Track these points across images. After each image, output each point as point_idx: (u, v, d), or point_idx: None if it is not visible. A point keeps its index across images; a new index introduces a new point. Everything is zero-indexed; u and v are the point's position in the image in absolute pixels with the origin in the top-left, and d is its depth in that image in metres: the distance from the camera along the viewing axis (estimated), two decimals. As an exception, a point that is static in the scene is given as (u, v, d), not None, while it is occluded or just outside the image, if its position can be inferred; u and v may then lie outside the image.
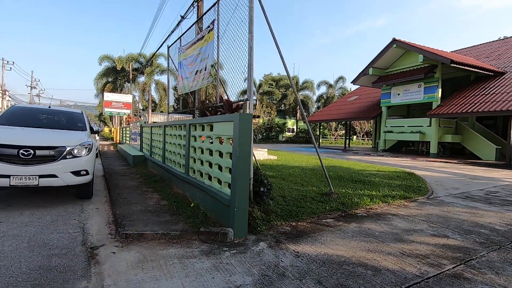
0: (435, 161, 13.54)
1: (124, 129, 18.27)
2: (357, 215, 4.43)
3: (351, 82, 19.81)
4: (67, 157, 4.49)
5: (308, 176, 7.43)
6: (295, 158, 12.95)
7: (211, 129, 4.43)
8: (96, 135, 10.04)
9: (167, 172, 6.51)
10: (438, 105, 15.10)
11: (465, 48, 21.94)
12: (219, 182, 4.05)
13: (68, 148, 4.51)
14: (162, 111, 33.52)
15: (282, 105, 38.23)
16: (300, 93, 36.64)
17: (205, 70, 5.67)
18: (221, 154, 4.10)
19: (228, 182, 3.69)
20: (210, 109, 5.35)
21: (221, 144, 4.15)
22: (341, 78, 37.56)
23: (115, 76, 26.68)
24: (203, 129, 4.80)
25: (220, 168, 4.06)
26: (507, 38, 20.29)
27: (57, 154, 4.41)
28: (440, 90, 15.25)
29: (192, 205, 4.25)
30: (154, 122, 28.35)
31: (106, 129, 38.67)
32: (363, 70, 18.46)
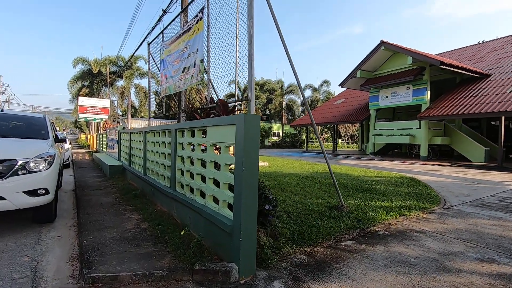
0: (428, 164, 13.31)
1: (101, 136, 16.94)
2: (378, 234, 3.76)
3: (339, 85, 19.53)
4: (19, 173, 3.54)
5: (308, 185, 6.74)
6: (288, 164, 12.28)
7: (204, 135, 3.64)
8: (66, 143, 8.98)
9: (149, 186, 5.61)
10: (427, 107, 14.99)
11: (447, 51, 22.34)
12: (216, 200, 3.26)
13: (20, 162, 3.57)
14: (142, 117, 32.03)
15: (267, 109, 37.75)
16: (285, 97, 36.29)
17: (194, 67, 4.88)
18: (217, 166, 3.33)
19: (228, 202, 2.92)
20: (199, 111, 4.55)
21: (217, 153, 3.38)
22: (325, 82, 37.62)
23: (91, 79, 25.08)
24: (193, 135, 3.99)
25: (216, 183, 3.27)
26: (486, 42, 20.81)
27: (4, 169, 3.45)
28: (429, 92, 15.18)
29: (182, 233, 3.42)
30: (133, 128, 26.88)
31: (83, 136, 36.56)
32: (351, 72, 18.22)
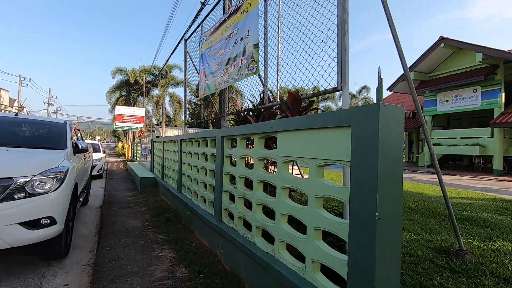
0: (508, 180, 10.97)
1: (135, 144, 16.65)
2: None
3: (387, 89, 17.60)
4: (16, 196, 2.56)
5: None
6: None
7: (273, 145, 2.43)
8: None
9: (184, 207, 4.52)
10: (501, 112, 12.63)
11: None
12: (289, 247, 1.99)
13: (19, 181, 2.59)
14: (176, 125, 32.12)
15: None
16: (321, 104, 34.46)
17: (243, 55, 3.76)
18: (290, 193, 2.08)
19: (323, 263, 1.64)
20: (253, 113, 3.38)
21: (296, 175, 2.14)
22: (364, 87, 35.20)
23: (128, 89, 25.57)
24: (248, 145, 2.79)
25: (291, 221, 2.02)
26: None
27: (-6, 192, 2.49)
28: (503, 94, 12.81)
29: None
30: (167, 136, 26.74)
31: (120, 145, 37.66)
32: (402, 74, 16.25)
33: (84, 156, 4.76)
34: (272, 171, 3.52)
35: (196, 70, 6.29)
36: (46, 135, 4.05)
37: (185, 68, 6.42)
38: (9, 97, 41.27)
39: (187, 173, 4.64)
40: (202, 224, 3.67)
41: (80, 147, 3.99)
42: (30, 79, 35.36)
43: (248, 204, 2.93)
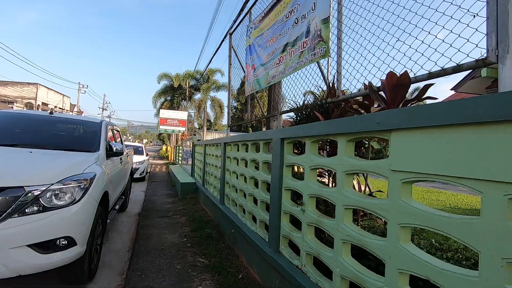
0: None
1: (178, 147, 16.74)
2: None
3: (452, 89, 15.40)
4: (28, 210, 2.04)
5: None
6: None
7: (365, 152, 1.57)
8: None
9: (228, 222, 3.82)
10: None
11: None
12: None
13: (32, 191, 2.08)
14: (216, 129, 32.40)
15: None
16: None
17: (306, 37, 2.95)
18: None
19: None
20: (318, 108, 2.55)
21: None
22: (417, 90, 32.08)
23: (172, 93, 26.35)
24: (321, 150, 1.97)
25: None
26: None
27: (1, 205, 1.98)
28: None
29: None
30: (208, 139, 26.76)
31: (164, 147, 39.20)
32: (471, 72, 14.07)
33: (121, 159, 4.32)
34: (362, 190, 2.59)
35: (242, 65, 5.65)
36: (79, 135, 3.66)
37: (229, 64, 5.83)
38: (70, 103, 45.64)
39: (232, 182, 3.94)
40: (251, 249, 2.90)
41: (114, 149, 3.50)
42: (87, 86, 38.59)
43: (321, 237, 2.10)
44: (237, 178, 3.73)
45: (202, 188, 6.26)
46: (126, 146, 11.83)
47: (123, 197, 5.08)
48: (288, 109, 3.80)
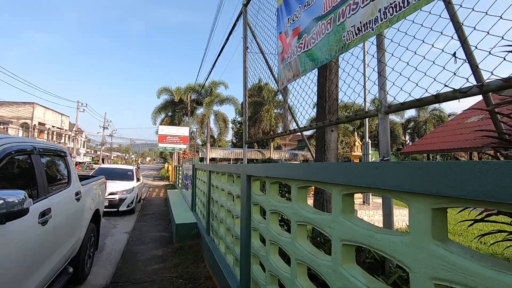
0: None
1: (178, 168, 14.70)
2: None
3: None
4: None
5: None
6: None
7: None
8: (134, 181, 6.39)
9: None
10: None
11: None
12: None
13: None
14: (220, 146, 30.41)
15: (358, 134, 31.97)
16: (376, 122, 30.11)
17: None
18: None
19: None
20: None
21: None
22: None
23: (173, 109, 24.60)
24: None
25: None
26: None
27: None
28: None
29: None
30: (213, 161, 24.51)
31: (166, 166, 37.20)
32: (518, 71, 12.04)
33: (77, 195, 2.28)
34: None
35: (261, 50, 3.68)
36: None
37: (245, 48, 3.86)
38: (69, 122, 44.26)
39: (272, 266, 1.84)
40: None
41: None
42: (86, 104, 37.16)
43: None
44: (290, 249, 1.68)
45: (206, 236, 4.15)
46: (108, 169, 9.78)
47: (77, 260, 3.02)
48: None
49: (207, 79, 17.04)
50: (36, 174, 2.19)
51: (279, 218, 2.35)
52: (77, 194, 2.90)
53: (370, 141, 7.28)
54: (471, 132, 16.77)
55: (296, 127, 3.06)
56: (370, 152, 7.03)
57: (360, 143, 9.35)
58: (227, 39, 7.07)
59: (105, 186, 4.67)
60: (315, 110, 3.37)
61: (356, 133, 13.65)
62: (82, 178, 4.10)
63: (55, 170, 2.76)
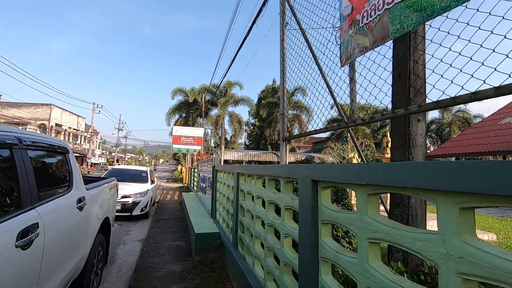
0: None
1: (192, 170, 14.17)
2: None
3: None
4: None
5: None
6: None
7: None
8: (148, 183, 5.92)
9: None
10: None
11: None
12: None
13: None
14: (233, 148, 29.83)
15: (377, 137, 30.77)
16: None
17: None
18: None
19: None
20: None
21: None
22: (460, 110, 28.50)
23: (187, 110, 24.23)
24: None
25: None
26: None
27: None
28: None
29: None
30: (226, 163, 23.94)
31: (179, 168, 36.98)
32: None
33: (79, 204, 1.66)
34: None
35: (300, 26, 2.99)
36: None
37: (283, 23, 3.16)
38: (85, 123, 44.87)
39: None
40: None
41: None
42: (102, 106, 37.55)
43: None
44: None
45: (234, 250, 3.48)
46: (121, 170, 9.29)
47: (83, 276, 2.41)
48: None
49: (223, 78, 16.53)
50: (19, 176, 1.59)
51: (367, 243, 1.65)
52: (80, 201, 2.29)
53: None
54: (506, 135, 15.51)
55: (356, 118, 2.35)
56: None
57: (393, 144, 8.48)
58: (250, 28, 6.44)
59: (117, 189, 4.09)
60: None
61: (388, 133, 12.71)
62: (89, 180, 3.52)
63: (51, 171, 2.17)
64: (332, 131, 28.22)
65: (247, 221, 3.07)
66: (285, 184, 2.04)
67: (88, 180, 3.44)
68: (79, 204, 2.28)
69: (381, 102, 2.49)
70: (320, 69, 3.19)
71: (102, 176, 5.46)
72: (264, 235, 2.47)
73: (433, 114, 31.76)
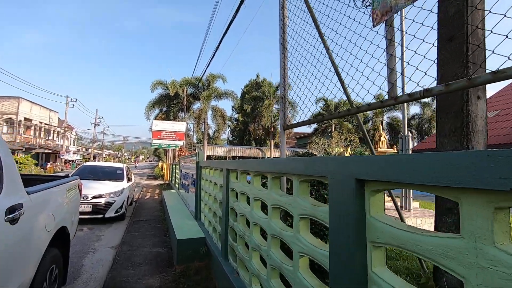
0: None
1: (173, 166, 13.39)
2: None
3: (518, 85, 12.35)
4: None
5: None
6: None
7: None
8: (124, 181, 5.32)
9: None
10: None
11: None
12: None
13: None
14: (216, 143, 29.05)
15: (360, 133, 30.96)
16: (387, 115, 29.17)
17: None
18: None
19: None
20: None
21: None
22: (437, 94, 29.03)
23: (168, 104, 23.11)
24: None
25: None
26: None
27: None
28: None
29: None
30: (208, 158, 23.12)
31: (160, 165, 35.69)
32: None
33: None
34: None
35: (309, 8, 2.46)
36: None
37: (282, 7, 2.56)
38: (58, 118, 42.24)
39: None
40: None
41: None
42: (76, 99, 35.42)
43: None
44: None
45: (223, 260, 2.93)
46: (94, 167, 8.38)
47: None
48: None
49: (206, 68, 15.73)
50: None
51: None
52: (11, 211, 1.64)
53: (410, 135, 6.09)
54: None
55: (398, 95, 1.85)
56: (410, 147, 5.80)
57: (386, 138, 8.20)
58: (238, 9, 5.82)
59: (80, 190, 3.39)
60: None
61: (381, 126, 12.54)
62: (40, 180, 2.82)
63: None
64: (317, 124, 28.04)
65: (241, 228, 2.52)
66: (300, 184, 1.50)
67: (38, 180, 2.75)
68: (11, 215, 1.63)
69: (410, 79, 1.99)
70: (324, 42, 2.67)
71: (67, 175, 4.70)
72: (266, 249, 1.92)
73: (414, 110, 32.35)
